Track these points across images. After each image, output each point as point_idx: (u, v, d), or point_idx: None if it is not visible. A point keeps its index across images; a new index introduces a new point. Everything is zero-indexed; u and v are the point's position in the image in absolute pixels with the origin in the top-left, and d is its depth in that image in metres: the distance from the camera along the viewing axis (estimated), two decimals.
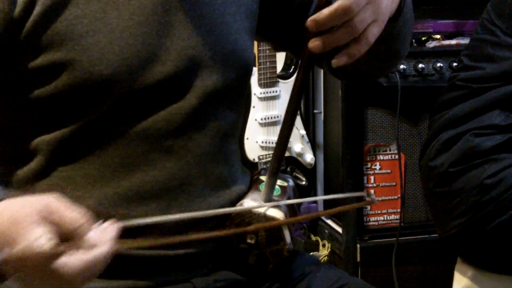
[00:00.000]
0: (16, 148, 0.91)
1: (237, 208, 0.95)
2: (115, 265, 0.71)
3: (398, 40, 1.00)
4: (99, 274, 0.68)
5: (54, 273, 0.65)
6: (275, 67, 2.24)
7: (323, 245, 2.31)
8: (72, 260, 0.66)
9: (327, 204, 2.31)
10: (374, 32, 0.83)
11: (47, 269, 0.65)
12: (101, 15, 0.86)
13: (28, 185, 0.90)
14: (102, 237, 0.68)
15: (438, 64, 2.02)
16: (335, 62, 0.84)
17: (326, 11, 0.79)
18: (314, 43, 0.81)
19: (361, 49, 0.83)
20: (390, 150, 2.08)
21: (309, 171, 2.36)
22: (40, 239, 0.64)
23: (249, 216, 0.93)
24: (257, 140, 2.23)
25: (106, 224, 0.70)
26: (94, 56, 0.85)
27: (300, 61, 0.88)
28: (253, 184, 1.02)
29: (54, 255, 0.65)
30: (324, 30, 0.81)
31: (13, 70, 0.86)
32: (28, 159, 0.90)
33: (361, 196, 0.88)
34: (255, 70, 2.19)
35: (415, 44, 2.08)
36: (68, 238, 0.67)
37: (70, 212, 0.67)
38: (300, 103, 0.91)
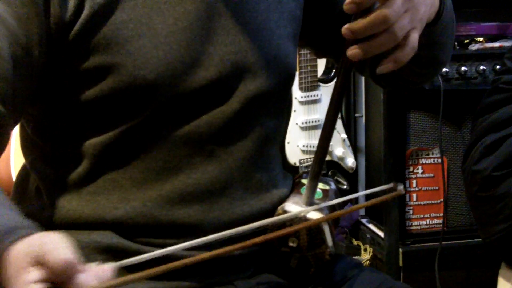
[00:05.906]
0: (64, 152, 0.93)
1: (275, 218, 0.91)
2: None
3: (438, 45, 0.99)
4: None
5: None
6: (316, 71, 2.24)
7: (365, 250, 2.30)
8: None
9: (369, 208, 2.30)
10: (416, 38, 0.82)
11: None
12: (146, 20, 0.88)
13: (76, 189, 0.92)
14: (94, 280, 0.62)
15: (481, 67, 1.99)
16: (380, 69, 0.83)
17: (363, 21, 0.78)
18: (352, 51, 0.79)
19: (407, 55, 0.82)
20: (432, 154, 2.06)
21: (351, 175, 2.34)
22: (28, 286, 0.60)
23: (290, 219, 0.93)
24: (298, 144, 2.23)
25: (100, 266, 0.64)
26: (138, 60, 0.87)
27: (339, 67, 0.86)
28: (294, 188, 1.03)
29: None
30: (362, 38, 0.79)
31: (63, 72, 0.88)
32: (76, 163, 0.92)
33: (391, 188, 0.87)
34: (296, 74, 2.19)
35: (457, 47, 2.06)
36: (61, 281, 0.62)
37: (61, 254, 0.62)
38: (340, 108, 0.90)
